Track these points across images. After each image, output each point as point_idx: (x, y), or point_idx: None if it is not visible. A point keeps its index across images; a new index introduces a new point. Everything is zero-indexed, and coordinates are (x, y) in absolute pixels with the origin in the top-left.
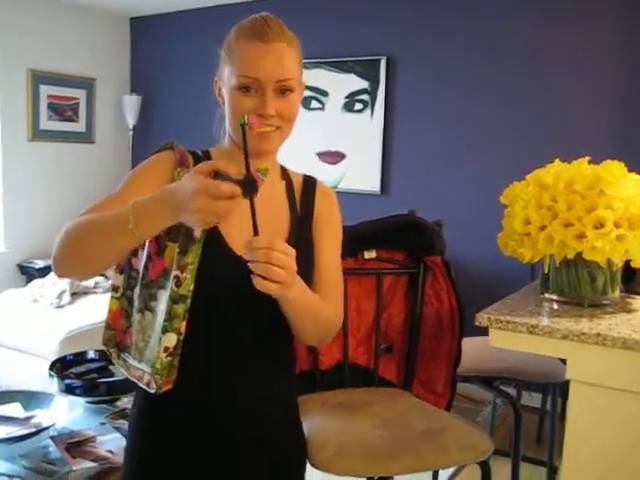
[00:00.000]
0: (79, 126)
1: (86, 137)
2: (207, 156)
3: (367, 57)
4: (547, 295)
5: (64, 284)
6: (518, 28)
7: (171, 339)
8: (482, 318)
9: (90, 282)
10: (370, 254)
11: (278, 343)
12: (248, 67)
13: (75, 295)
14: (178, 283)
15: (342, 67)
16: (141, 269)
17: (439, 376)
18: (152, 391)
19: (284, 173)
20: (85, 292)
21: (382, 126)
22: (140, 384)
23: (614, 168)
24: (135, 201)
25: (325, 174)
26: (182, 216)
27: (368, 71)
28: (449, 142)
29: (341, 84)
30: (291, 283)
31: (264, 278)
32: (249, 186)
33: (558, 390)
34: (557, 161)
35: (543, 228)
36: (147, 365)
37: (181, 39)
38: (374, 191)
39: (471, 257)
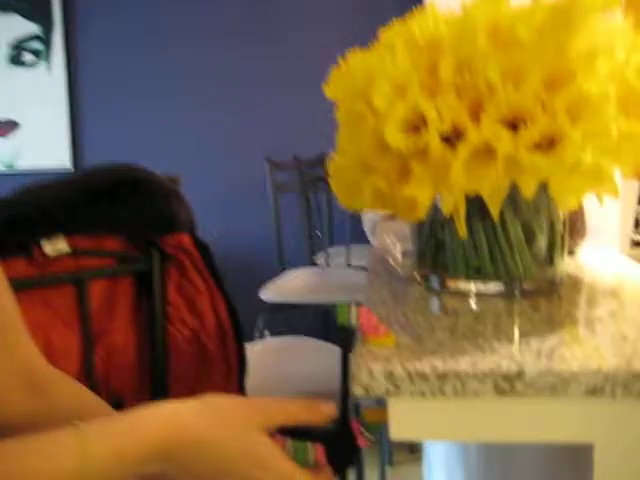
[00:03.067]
0: None
1: None
2: None
3: None
4: (452, 284)
5: None
6: None
7: None
8: (375, 379)
9: None
10: (57, 245)
11: None
12: None
13: None
14: None
15: None
16: None
17: None
18: None
19: None
20: None
21: (66, 83)
22: None
23: None
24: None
25: None
26: None
27: (37, 10)
28: (160, 97)
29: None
30: None
31: None
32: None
33: None
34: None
35: (454, 139)
36: None
37: None
38: (64, 167)
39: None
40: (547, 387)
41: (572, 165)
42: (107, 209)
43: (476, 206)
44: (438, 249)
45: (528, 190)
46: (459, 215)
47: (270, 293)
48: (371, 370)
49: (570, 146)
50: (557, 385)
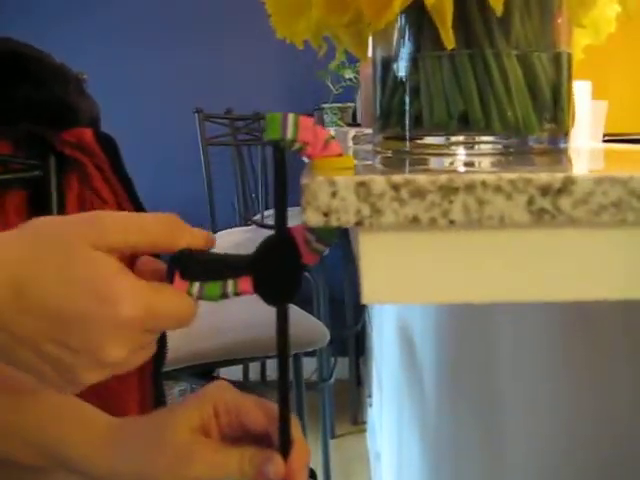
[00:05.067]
0: None
1: None
2: None
3: None
4: (430, 142)
5: None
6: None
7: None
8: (341, 197)
9: None
10: None
11: None
12: None
13: None
14: None
15: None
16: None
17: (127, 398)
18: None
19: None
20: None
21: None
22: None
23: None
24: None
25: None
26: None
27: None
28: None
29: None
30: None
31: None
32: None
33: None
34: None
35: None
36: None
37: None
38: None
39: None
40: (608, 205)
41: None
42: None
43: (461, 32)
44: (409, 103)
45: None
46: (443, 11)
47: None
48: (334, 183)
49: None
50: (622, 202)
